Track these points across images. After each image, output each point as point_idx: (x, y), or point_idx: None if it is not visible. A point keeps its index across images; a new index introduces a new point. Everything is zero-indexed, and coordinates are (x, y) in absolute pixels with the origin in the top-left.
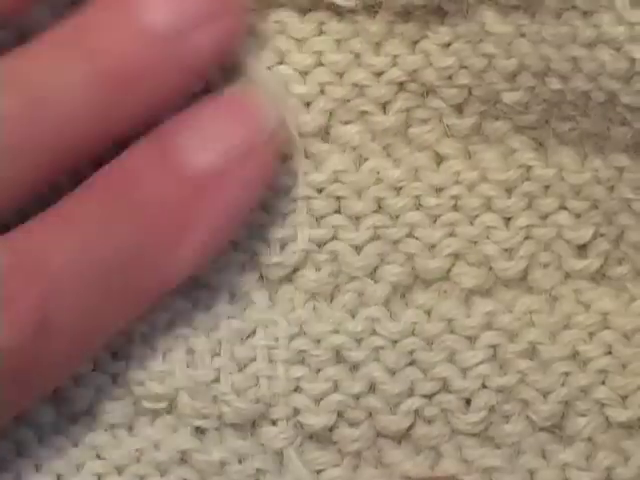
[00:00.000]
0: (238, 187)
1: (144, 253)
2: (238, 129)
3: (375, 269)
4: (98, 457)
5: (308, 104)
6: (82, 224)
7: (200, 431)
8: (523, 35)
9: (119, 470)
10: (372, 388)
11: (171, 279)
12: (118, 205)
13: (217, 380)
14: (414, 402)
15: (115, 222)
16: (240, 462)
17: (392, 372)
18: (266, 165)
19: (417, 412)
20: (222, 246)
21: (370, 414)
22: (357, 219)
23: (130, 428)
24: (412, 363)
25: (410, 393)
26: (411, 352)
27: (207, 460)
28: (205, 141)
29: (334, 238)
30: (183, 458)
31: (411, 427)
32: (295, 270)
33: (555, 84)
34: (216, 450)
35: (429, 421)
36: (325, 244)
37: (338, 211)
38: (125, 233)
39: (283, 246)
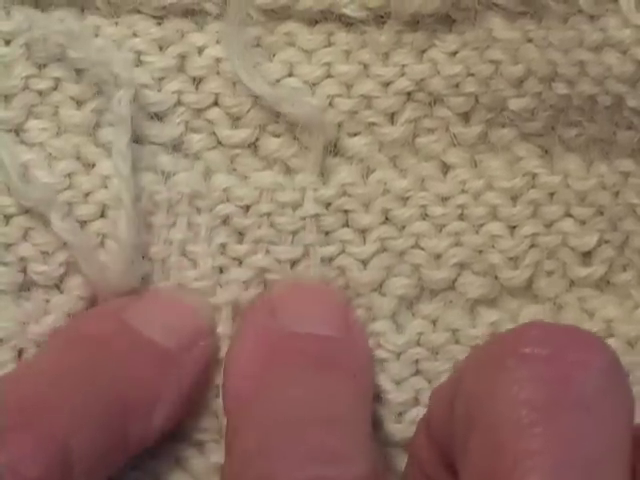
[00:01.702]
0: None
1: (131, 403)
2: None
3: (382, 282)
4: None
5: None
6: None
7: (199, 442)
8: (530, 40)
9: None
10: (377, 397)
11: (149, 434)
12: (108, 356)
13: (218, 395)
14: (419, 411)
15: (105, 370)
16: None
17: (397, 382)
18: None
19: None
20: (186, 410)
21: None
22: (364, 232)
23: None
24: (417, 373)
25: (415, 402)
26: (415, 362)
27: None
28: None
29: (342, 252)
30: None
31: None
32: None
33: (562, 89)
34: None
35: None
36: (333, 260)
37: (346, 225)
38: (116, 380)
39: (293, 265)
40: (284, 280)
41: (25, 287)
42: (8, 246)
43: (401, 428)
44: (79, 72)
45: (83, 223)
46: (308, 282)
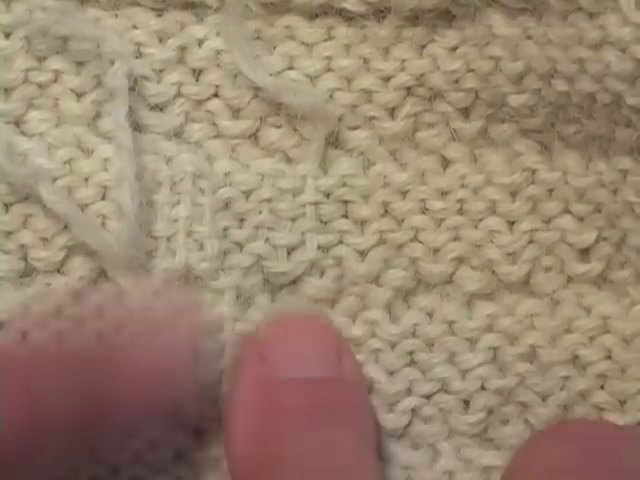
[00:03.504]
0: None
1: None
2: None
3: (379, 274)
4: None
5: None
6: None
7: (199, 433)
8: (530, 37)
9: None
10: (370, 388)
11: None
12: None
13: (221, 381)
14: (412, 401)
15: None
16: None
17: (390, 373)
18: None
19: (414, 411)
20: None
21: None
22: (363, 223)
23: None
24: (411, 364)
25: (408, 393)
26: (410, 353)
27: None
28: None
29: (340, 243)
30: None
31: (409, 425)
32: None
33: (561, 86)
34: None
35: (427, 420)
36: (330, 249)
37: (345, 215)
38: None
39: (290, 252)
40: (271, 317)
41: (26, 274)
42: (8, 234)
43: (393, 418)
44: (79, 64)
45: (84, 206)
46: (293, 315)
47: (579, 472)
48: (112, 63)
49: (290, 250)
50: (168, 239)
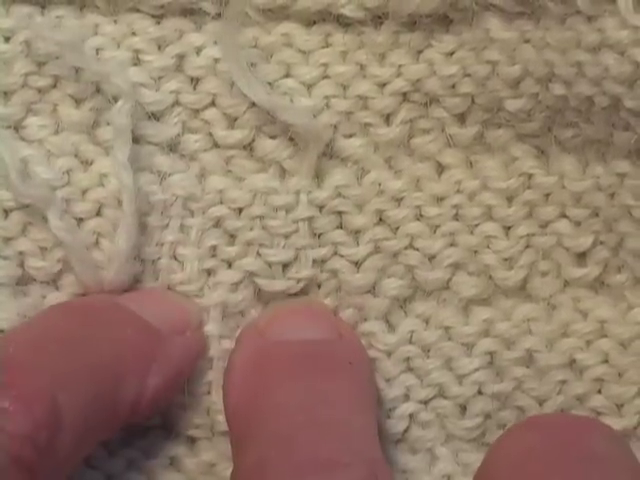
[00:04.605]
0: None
1: (121, 370)
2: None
3: (375, 283)
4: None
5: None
6: (66, 334)
7: (192, 440)
8: (527, 41)
9: None
10: None
11: (140, 402)
12: (100, 325)
13: (209, 392)
14: (409, 407)
15: (96, 338)
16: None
17: (387, 379)
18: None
19: (412, 416)
20: (173, 392)
21: None
22: (357, 233)
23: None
24: (408, 370)
25: (406, 399)
26: (407, 359)
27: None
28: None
29: (334, 254)
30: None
31: (406, 430)
32: None
33: (559, 90)
34: (205, 454)
35: (424, 425)
36: (325, 262)
37: (339, 227)
38: (106, 348)
39: (285, 269)
40: (269, 306)
41: (23, 282)
42: (7, 240)
43: (391, 423)
44: (78, 70)
45: (79, 220)
46: (292, 300)
47: (546, 458)
48: (115, 100)
49: (283, 267)
50: (153, 263)
